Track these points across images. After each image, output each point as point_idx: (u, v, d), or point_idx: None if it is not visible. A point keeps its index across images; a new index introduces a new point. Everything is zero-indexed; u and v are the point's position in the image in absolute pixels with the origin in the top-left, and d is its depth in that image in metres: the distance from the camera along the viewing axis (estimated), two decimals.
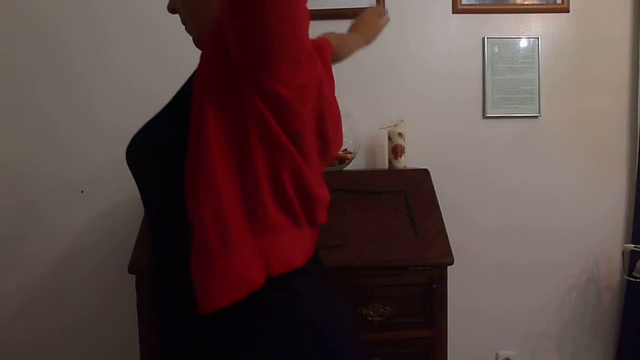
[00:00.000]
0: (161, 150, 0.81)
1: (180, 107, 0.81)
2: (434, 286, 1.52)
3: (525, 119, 2.00)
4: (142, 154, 0.85)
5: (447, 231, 1.61)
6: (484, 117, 2.00)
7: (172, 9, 0.88)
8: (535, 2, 1.98)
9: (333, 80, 0.91)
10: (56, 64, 1.93)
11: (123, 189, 1.91)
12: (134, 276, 1.51)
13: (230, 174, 0.75)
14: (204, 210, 0.74)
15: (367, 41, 1.19)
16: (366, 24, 1.20)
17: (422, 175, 1.80)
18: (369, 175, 1.79)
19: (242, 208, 0.76)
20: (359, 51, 1.15)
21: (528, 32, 1.98)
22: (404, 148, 1.88)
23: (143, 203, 0.90)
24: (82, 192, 1.95)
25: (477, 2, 1.98)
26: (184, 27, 0.90)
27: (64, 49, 1.93)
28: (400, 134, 1.87)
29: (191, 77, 0.88)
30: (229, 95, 0.74)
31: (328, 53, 0.93)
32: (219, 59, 0.74)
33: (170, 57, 1.92)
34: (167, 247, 0.85)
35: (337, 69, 0.98)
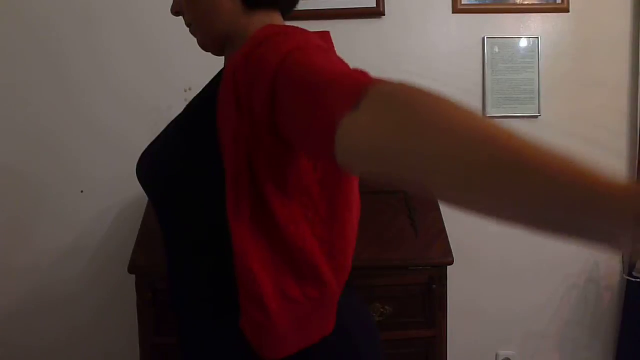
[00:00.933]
0: (176, 180, 0.80)
1: (197, 130, 0.80)
2: (434, 286, 1.53)
3: (525, 119, 2.00)
4: (152, 178, 0.84)
5: (447, 231, 1.61)
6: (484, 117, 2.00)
7: (176, 12, 0.87)
8: (535, 2, 1.98)
9: None
10: (54, 67, 1.92)
11: (123, 189, 1.92)
12: (134, 276, 1.51)
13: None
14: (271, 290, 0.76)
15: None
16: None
17: None
18: None
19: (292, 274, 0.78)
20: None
21: (528, 32, 1.98)
22: None
23: (159, 222, 0.89)
24: (82, 192, 1.96)
25: (477, 2, 1.97)
26: (188, 29, 0.89)
27: (62, 52, 1.92)
28: None
29: (204, 96, 0.85)
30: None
31: None
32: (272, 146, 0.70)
33: (168, 62, 1.92)
34: (190, 278, 0.85)
35: None
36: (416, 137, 0.45)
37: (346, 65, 0.64)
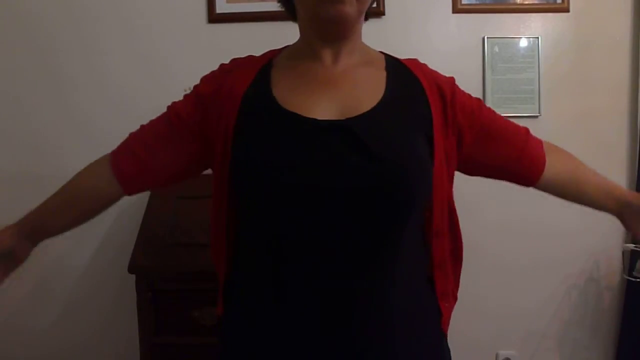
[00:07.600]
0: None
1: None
2: None
3: (525, 119, 1.99)
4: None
5: None
6: None
7: None
8: (535, 2, 1.98)
9: None
10: (51, 66, 1.93)
11: None
12: (133, 276, 1.51)
13: None
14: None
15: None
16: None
17: None
18: None
19: None
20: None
21: (528, 31, 1.98)
22: None
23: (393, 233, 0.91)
24: None
25: (477, 2, 1.97)
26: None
27: (55, 51, 1.93)
28: None
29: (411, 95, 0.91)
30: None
31: None
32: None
33: (167, 62, 1.91)
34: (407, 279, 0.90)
35: None
36: None
37: None
